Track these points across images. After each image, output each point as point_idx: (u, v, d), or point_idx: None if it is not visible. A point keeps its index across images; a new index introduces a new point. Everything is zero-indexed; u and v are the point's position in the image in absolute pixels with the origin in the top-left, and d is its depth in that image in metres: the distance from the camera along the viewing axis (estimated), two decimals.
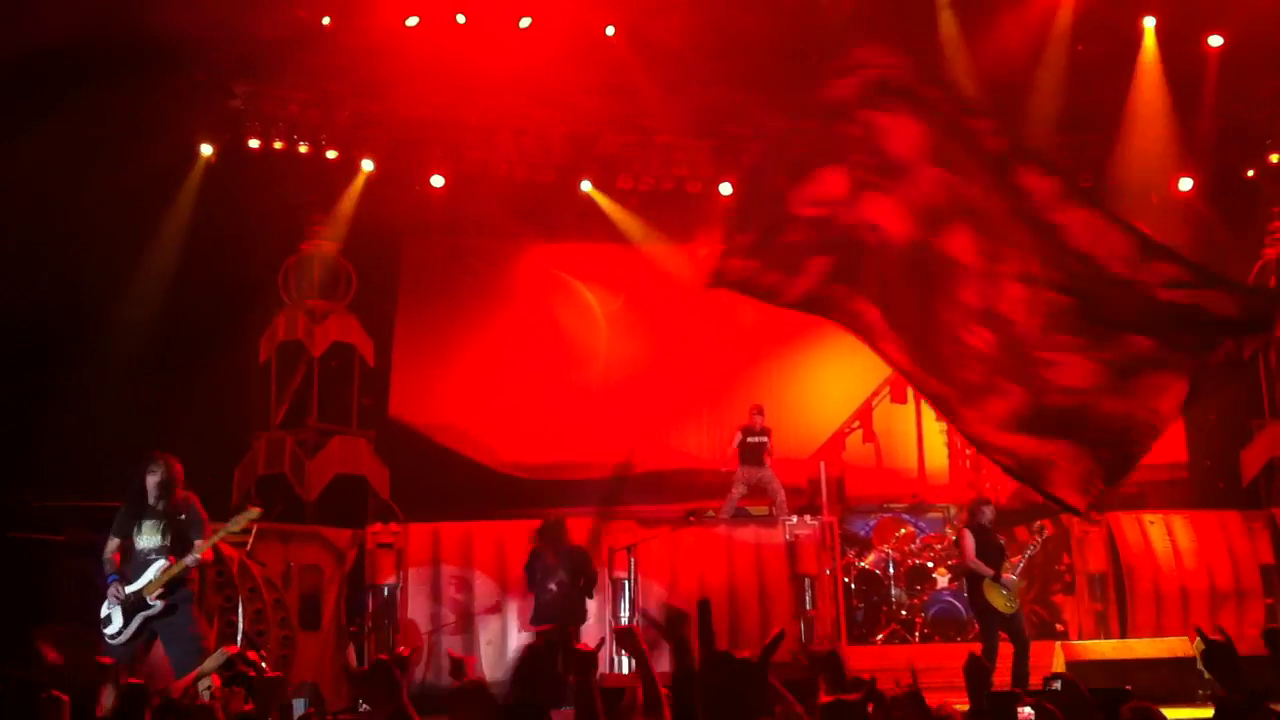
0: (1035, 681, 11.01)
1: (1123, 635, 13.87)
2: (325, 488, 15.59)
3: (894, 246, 8.33)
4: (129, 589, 8.46)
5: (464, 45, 14.68)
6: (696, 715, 3.85)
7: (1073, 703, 5.17)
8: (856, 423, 17.21)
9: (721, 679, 3.72)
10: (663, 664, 4.87)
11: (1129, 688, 8.36)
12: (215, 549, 11.44)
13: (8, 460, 12.35)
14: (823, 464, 15.51)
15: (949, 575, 14.44)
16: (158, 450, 8.75)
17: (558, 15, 14.67)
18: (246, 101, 15.51)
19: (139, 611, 8.43)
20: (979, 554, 11.68)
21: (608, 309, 18.22)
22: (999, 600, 11.48)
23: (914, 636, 14.05)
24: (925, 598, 14.33)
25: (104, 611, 8.49)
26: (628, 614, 13.16)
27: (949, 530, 14.79)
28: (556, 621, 11.82)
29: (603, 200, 17.50)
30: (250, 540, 12.88)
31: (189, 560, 8.58)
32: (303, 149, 15.95)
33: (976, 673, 5.21)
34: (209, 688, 7.20)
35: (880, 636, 14.20)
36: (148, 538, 8.58)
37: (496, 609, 13.58)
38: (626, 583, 13.35)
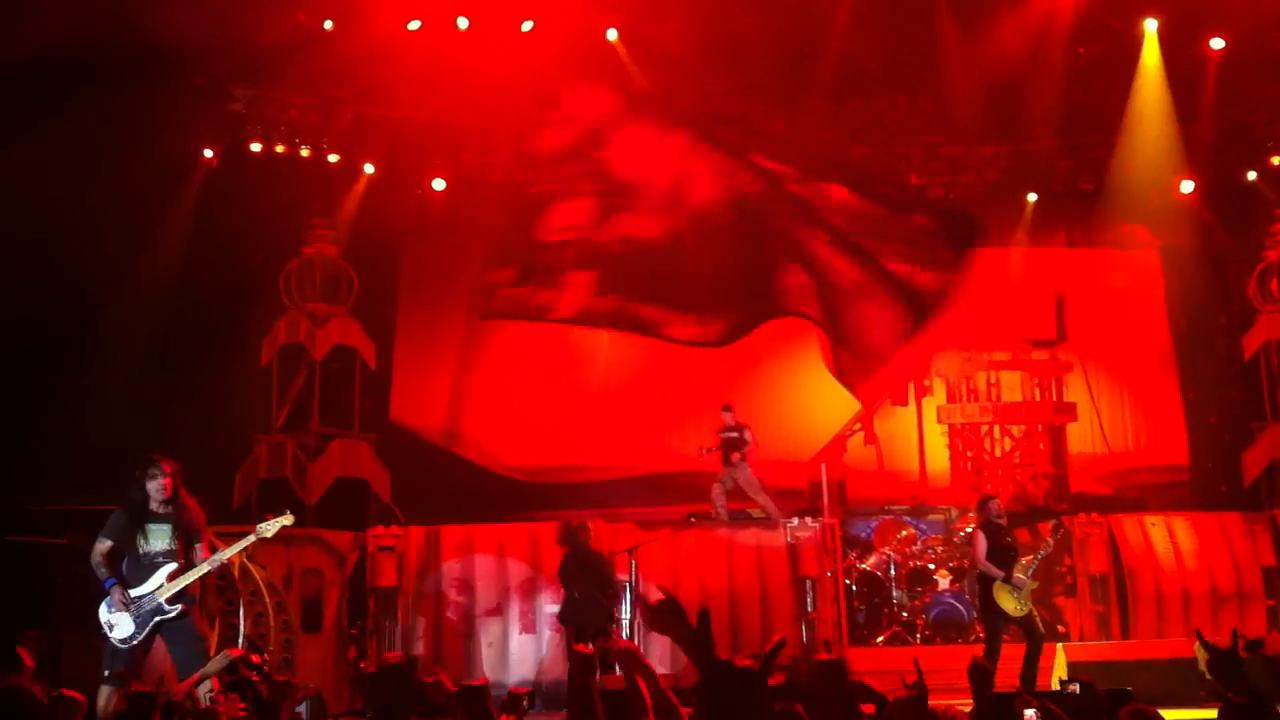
0: (1044, 683, 11.00)
1: (1124, 636, 13.86)
2: (326, 491, 15.61)
3: (650, 248, 10.27)
4: (135, 592, 8.32)
5: (464, 50, 14.70)
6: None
7: (1089, 706, 5.17)
8: (858, 425, 17.21)
9: (722, 688, 3.71)
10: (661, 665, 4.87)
11: (1130, 689, 8.35)
12: (214, 549, 11.45)
13: (8, 463, 12.36)
14: (824, 466, 15.50)
15: (950, 577, 14.43)
16: (158, 454, 8.69)
17: (557, 20, 14.68)
18: (248, 105, 15.55)
19: (154, 616, 8.31)
20: (990, 554, 11.49)
21: None
22: (1009, 603, 11.32)
23: (915, 638, 14.04)
24: (926, 600, 14.32)
25: (105, 616, 8.31)
26: (628, 616, 13.15)
27: (963, 534, 14.76)
28: (580, 624, 11.93)
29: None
30: (251, 544, 12.89)
31: (211, 564, 8.49)
32: (304, 152, 16.00)
33: (980, 675, 5.21)
34: (209, 691, 7.18)
35: (881, 638, 14.20)
36: (155, 541, 8.42)
37: (498, 611, 13.58)
38: (627, 585, 13.34)
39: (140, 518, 8.42)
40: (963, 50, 15.06)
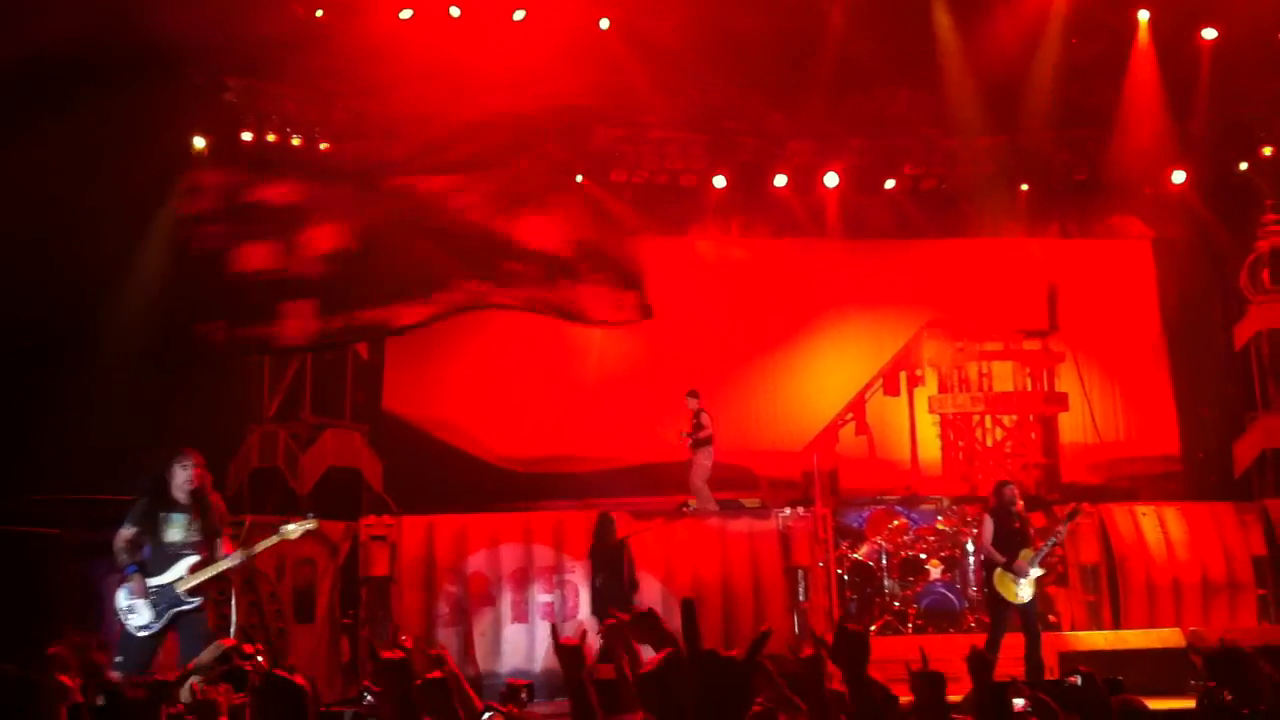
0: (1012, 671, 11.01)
1: (1115, 626, 13.92)
2: (319, 480, 15.57)
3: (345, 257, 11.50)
4: (155, 581, 8.33)
5: (458, 40, 14.67)
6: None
7: (1090, 698, 5.19)
8: (850, 415, 17.26)
9: (709, 678, 3.72)
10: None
11: (1121, 679, 8.38)
12: None
13: (4, 456, 12.34)
14: (815, 456, 15.54)
15: (941, 567, 14.47)
16: (186, 445, 8.78)
17: (551, 9, 14.66)
18: (240, 96, 15.49)
19: (173, 606, 8.32)
20: (996, 540, 11.49)
21: None
22: (1007, 589, 11.30)
23: (907, 628, 14.08)
24: (918, 589, 14.36)
25: (124, 602, 8.30)
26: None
27: (941, 522, 14.82)
28: (600, 615, 12.08)
29: (597, 194, 17.49)
30: (243, 533, 12.89)
31: (234, 559, 8.53)
32: (296, 143, 15.93)
33: (978, 664, 5.23)
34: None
35: (873, 628, 14.23)
36: (176, 531, 8.45)
37: (490, 601, 13.60)
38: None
39: (165, 507, 8.46)
40: (956, 43, 15.07)
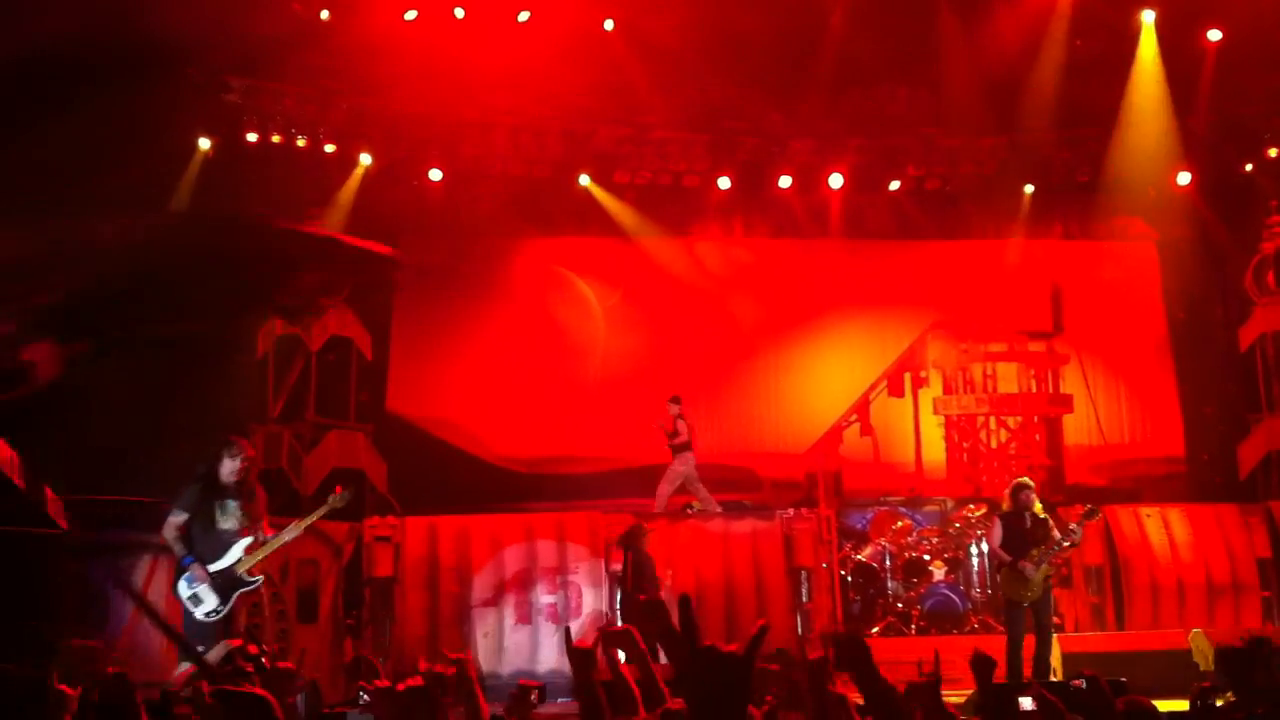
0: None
1: (1119, 628, 13.90)
2: (323, 481, 15.58)
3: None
4: (214, 567, 8.58)
5: (461, 41, 14.68)
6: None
7: (1096, 700, 5.16)
8: (854, 416, 17.22)
9: (707, 674, 3.71)
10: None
11: (1125, 680, 8.36)
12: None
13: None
14: (820, 458, 15.53)
15: (945, 568, 14.44)
16: (235, 434, 9.00)
17: (555, 10, 14.67)
18: (244, 96, 15.51)
19: (237, 589, 8.60)
20: (1005, 542, 11.28)
21: (605, 303, 18.22)
22: (1012, 589, 11.17)
23: (910, 629, 14.06)
24: (921, 590, 14.33)
25: (186, 591, 8.53)
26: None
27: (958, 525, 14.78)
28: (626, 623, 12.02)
29: (600, 195, 17.51)
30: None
31: (288, 533, 8.88)
32: (300, 143, 15.96)
33: (981, 667, 5.21)
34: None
35: (876, 629, 14.21)
36: (229, 518, 8.71)
37: (493, 602, 13.60)
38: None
39: (217, 494, 8.73)
40: (961, 42, 15.06)
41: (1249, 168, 16.91)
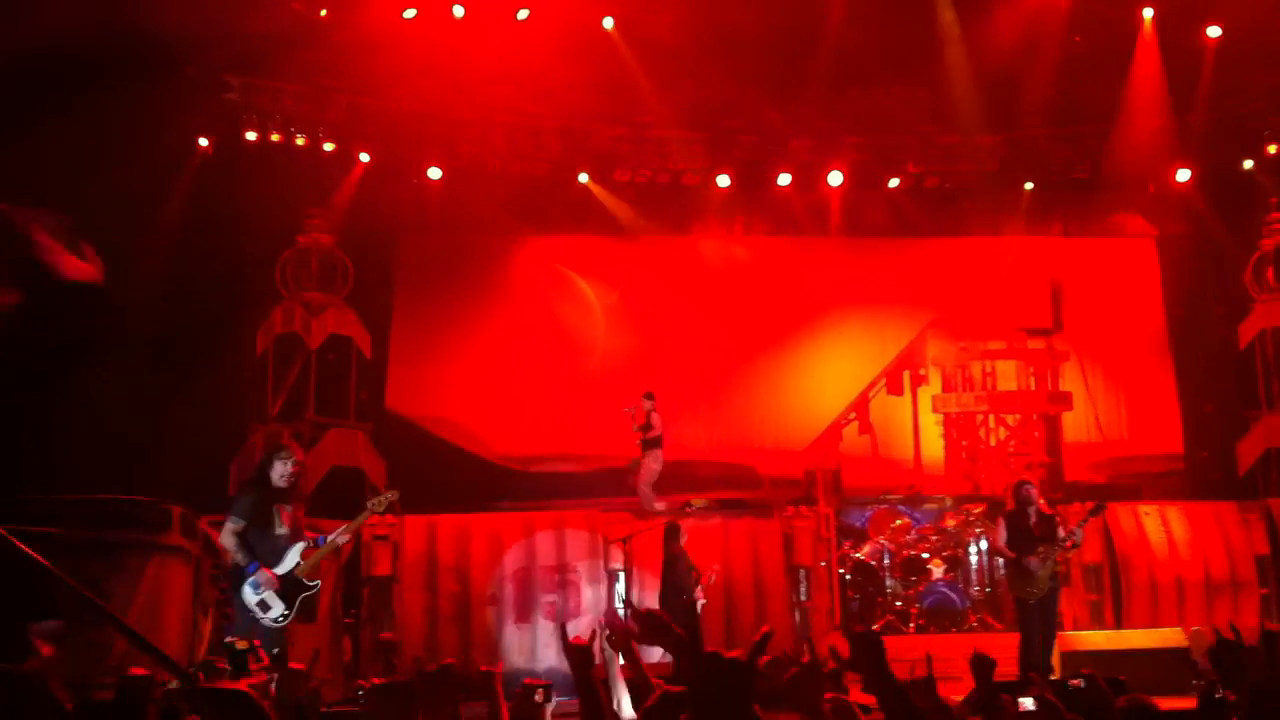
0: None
1: (1118, 626, 13.90)
2: (322, 480, 15.60)
3: None
4: (278, 571, 8.62)
5: (460, 39, 14.66)
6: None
7: (1095, 699, 5.17)
8: (853, 414, 17.24)
9: (710, 679, 3.72)
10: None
11: (1123, 678, 8.36)
12: (210, 540, 11.47)
13: (3, 454, 12.33)
14: (819, 455, 15.54)
15: (944, 566, 14.45)
16: (287, 438, 9.07)
17: (554, 8, 14.65)
18: (243, 95, 15.51)
19: (300, 593, 8.64)
20: (1010, 541, 11.20)
21: (604, 302, 18.22)
22: (1020, 587, 11.09)
23: (909, 627, 14.06)
24: (920, 589, 14.34)
25: (254, 598, 8.54)
26: (622, 606, 13.20)
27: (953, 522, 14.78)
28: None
29: (599, 193, 17.51)
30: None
31: (338, 536, 8.88)
32: (299, 142, 15.96)
33: (980, 667, 5.23)
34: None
35: (875, 627, 14.21)
36: (286, 524, 8.75)
37: (492, 600, 13.59)
38: (621, 574, 13.38)
39: (272, 498, 8.76)
40: (959, 39, 15.05)
41: (1248, 164, 16.91)
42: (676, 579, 12.47)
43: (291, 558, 8.67)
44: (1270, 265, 16.84)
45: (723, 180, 17.38)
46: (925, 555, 14.55)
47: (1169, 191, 17.49)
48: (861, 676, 4.32)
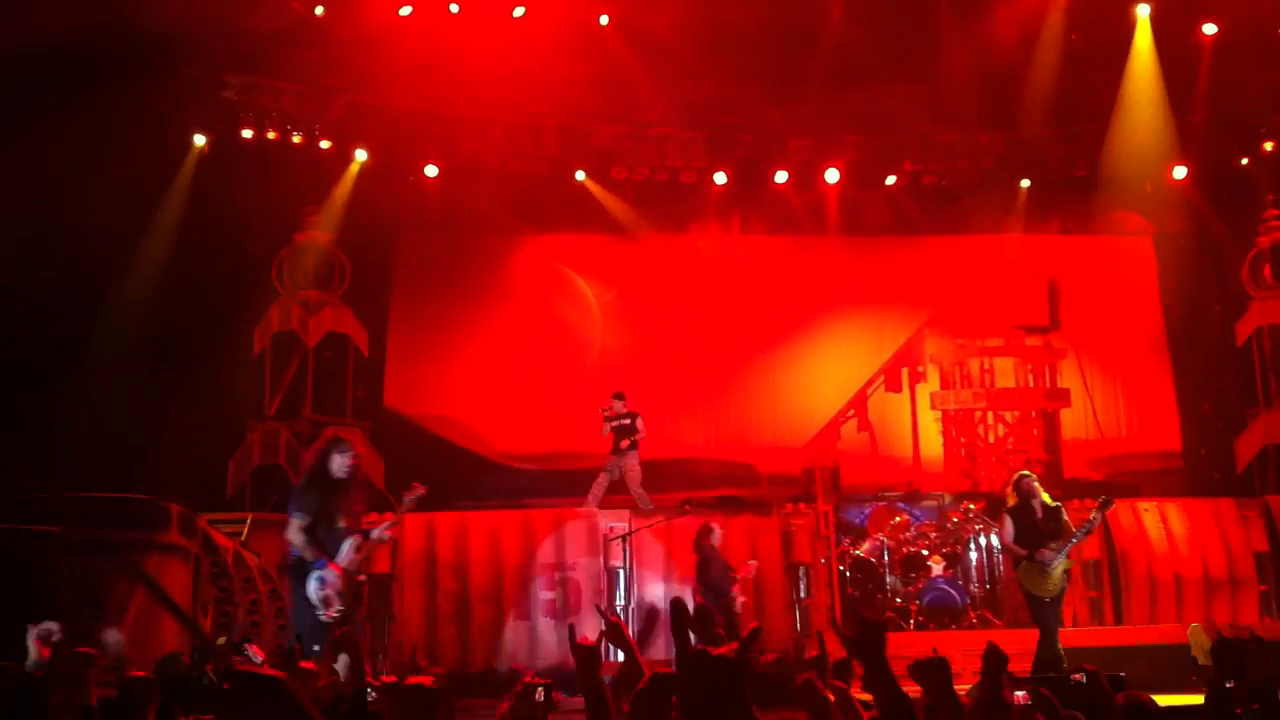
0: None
1: (1117, 622, 13.90)
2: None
3: None
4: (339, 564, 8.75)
5: (457, 37, 14.66)
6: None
7: (1095, 696, 5.17)
8: (851, 411, 17.25)
9: (699, 677, 3.72)
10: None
11: (1123, 675, 8.37)
12: (209, 538, 11.47)
13: (3, 451, 12.34)
14: (818, 453, 15.54)
15: (943, 563, 14.45)
16: (342, 433, 9.17)
17: (551, 6, 14.65)
18: (240, 93, 15.50)
19: (352, 588, 8.75)
20: (1018, 536, 10.82)
21: (602, 300, 18.21)
22: (1034, 583, 10.68)
23: (909, 624, 14.06)
24: (920, 585, 14.34)
25: (320, 592, 8.54)
26: (622, 603, 13.20)
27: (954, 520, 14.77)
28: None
29: (597, 191, 17.51)
30: (245, 531, 12.90)
31: (384, 530, 9.01)
32: (296, 140, 15.96)
33: (993, 660, 5.20)
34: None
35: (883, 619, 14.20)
36: (344, 518, 8.80)
37: (491, 598, 13.58)
38: (621, 572, 13.37)
39: (334, 493, 8.82)
40: (958, 38, 15.06)
41: (1245, 162, 16.95)
42: (712, 579, 12.49)
43: (346, 553, 8.72)
44: (1267, 262, 16.86)
45: (720, 178, 17.37)
46: (924, 552, 14.55)
47: (1166, 189, 17.50)
48: (862, 668, 4.29)
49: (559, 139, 16.98)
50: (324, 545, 8.65)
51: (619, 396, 14.66)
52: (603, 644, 4.36)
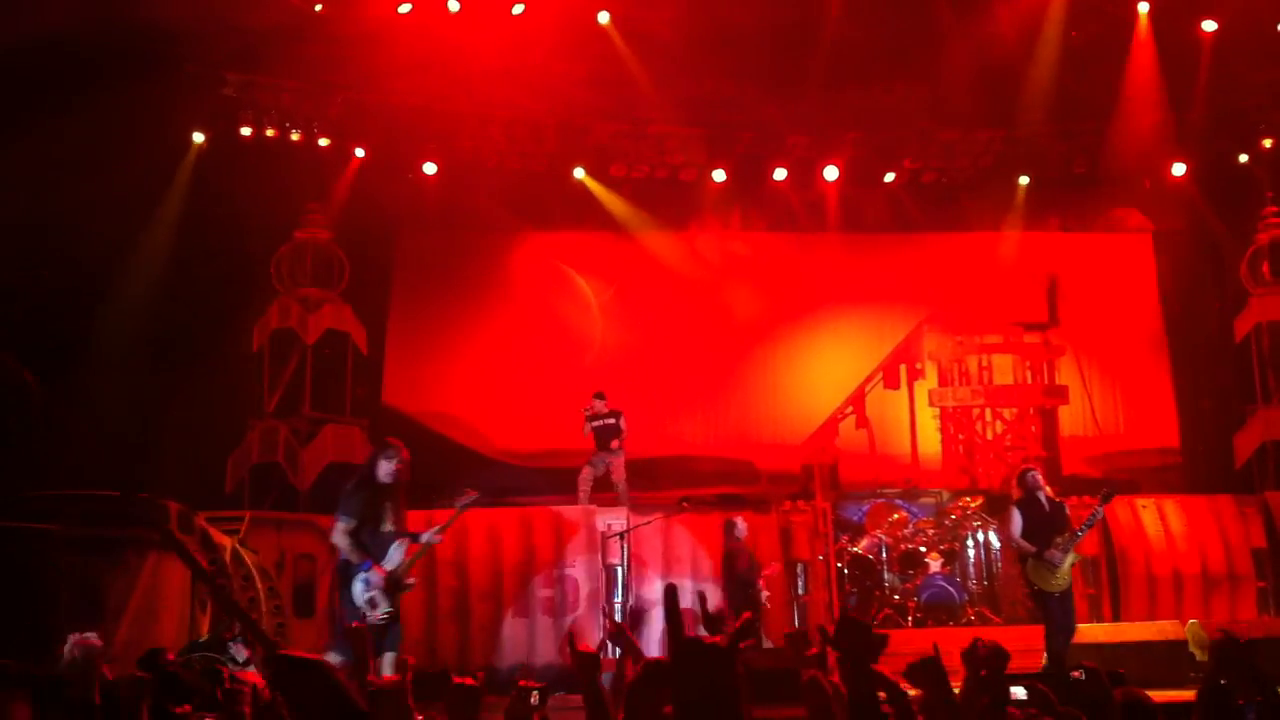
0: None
1: (1115, 619, 13.91)
2: (319, 476, 15.58)
3: None
4: (386, 568, 8.77)
5: (456, 34, 14.66)
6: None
7: (1094, 692, 5.18)
8: (850, 409, 17.23)
9: (692, 666, 3.72)
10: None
11: (1122, 671, 8.39)
12: (207, 536, 11.47)
13: (1, 450, 12.33)
14: (816, 450, 15.54)
15: (941, 560, 14.46)
16: (391, 436, 9.25)
17: (549, 5, 14.65)
18: (239, 90, 15.50)
19: (400, 591, 8.77)
20: (1027, 531, 10.74)
21: (601, 297, 18.21)
22: (1044, 579, 10.64)
23: (907, 621, 14.07)
24: (918, 582, 14.36)
25: (363, 595, 8.61)
26: (620, 600, 13.21)
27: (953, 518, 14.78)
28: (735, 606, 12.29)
29: (596, 188, 17.50)
30: (243, 528, 12.90)
31: (434, 534, 9.04)
32: (295, 137, 15.95)
33: (986, 659, 5.23)
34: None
35: (873, 621, 14.23)
36: (390, 521, 8.86)
37: (490, 595, 13.59)
38: (619, 569, 13.37)
39: (381, 496, 8.90)
40: (957, 35, 15.06)
41: (1244, 159, 16.93)
42: (739, 572, 12.53)
43: (393, 556, 8.76)
44: (1266, 259, 16.86)
45: (719, 176, 17.37)
46: (923, 549, 14.56)
47: (1165, 186, 17.51)
48: (841, 664, 4.29)
49: (558, 136, 16.97)
50: (368, 548, 8.73)
51: (599, 396, 14.68)
52: (603, 646, 4.37)
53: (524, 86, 15.93)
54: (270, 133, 15.76)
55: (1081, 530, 10.82)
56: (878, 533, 14.73)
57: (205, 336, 15.17)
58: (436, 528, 9.11)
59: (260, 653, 9.23)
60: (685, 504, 14.36)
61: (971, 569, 14.57)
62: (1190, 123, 16.32)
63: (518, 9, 14.59)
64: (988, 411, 17.25)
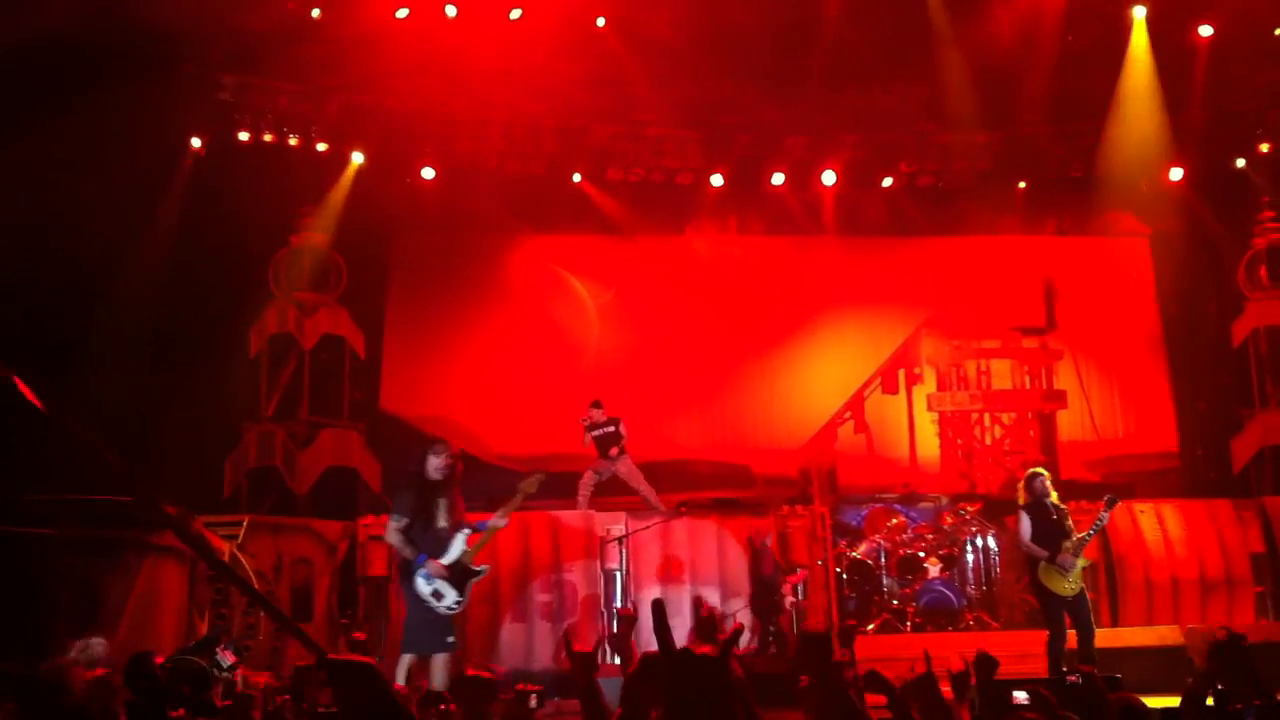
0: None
1: (1113, 624, 13.90)
2: (316, 480, 15.59)
3: None
4: (445, 561, 9.00)
5: (453, 37, 14.65)
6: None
7: (1090, 697, 5.19)
8: (848, 413, 17.24)
9: (682, 675, 3.73)
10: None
11: (1119, 676, 8.38)
12: (206, 540, 11.46)
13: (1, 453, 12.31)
14: (815, 454, 15.54)
15: (940, 565, 14.44)
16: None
17: (548, 7, 14.65)
18: (236, 94, 15.48)
19: (469, 579, 9.09)
20: (1035, 535, 10.76)
21: (599, 301, 18.21)
22: (1056, 583, 10.64)
23: (906, 626, 14.06)
24: (917, 587, 14.33)
25: (427, 588, 8.92)
26: (620, 604, 13.20)
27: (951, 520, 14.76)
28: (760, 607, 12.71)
29: (594, 191, 17.50)
30: (241, 532, 12.89)
31: (500, 519, 9.28)
32: (292, 141, 15.94)
33: (985, 667, 5.23)
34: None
35: (872, 626, 14.22)
36: (443, 515, 9.11)
37: (487, 600, 13.57)
38: (618, 574, 13.37)
39: (432, 493, 9.17)
40: (952, 37, 15.07)
41: (1241, 163, 16.96)
42: (765, 576, 12.56)
43: (457, 546, 9.05)
44: (1263, 263, 16.89)
45: (717, 179, 17.37)
46: (921, 554, 14.54)
47: (1162, 190, 17.51)
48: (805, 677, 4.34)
49: (556, 139, 16.96)
50: (420, 544, 8.99)
51: (596, 405, 14.64)
52: (600, 648, 4.38)
53: (522, 88, 15.93)
54: (267, 136, 15.75)
55: (1090, 533, 10.87)
56: (876, 537, 14.71)
57: (203, 340, 15.15)
58: (501, 510, 9.32)
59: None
60: (683, 508, 14.36)
61: (970, 574, 14.55)
62: (1187, 126, 16.36)
63: (515, 14, 14.59)
64: (986, 416, 17.25)
